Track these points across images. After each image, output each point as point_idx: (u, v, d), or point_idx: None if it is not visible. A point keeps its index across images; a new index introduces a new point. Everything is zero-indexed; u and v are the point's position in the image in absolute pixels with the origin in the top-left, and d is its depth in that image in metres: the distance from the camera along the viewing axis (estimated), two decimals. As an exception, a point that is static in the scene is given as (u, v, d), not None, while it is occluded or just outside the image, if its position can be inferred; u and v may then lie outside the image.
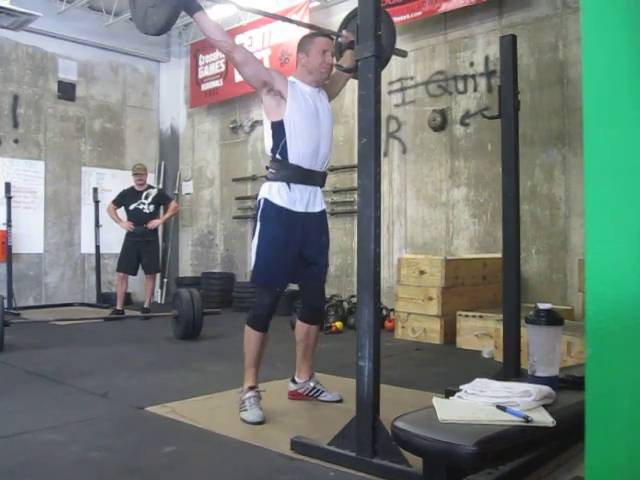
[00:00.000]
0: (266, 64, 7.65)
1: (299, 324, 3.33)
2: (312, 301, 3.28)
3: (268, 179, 3.10)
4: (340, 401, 3.22)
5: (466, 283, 5.45)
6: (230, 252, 8.56)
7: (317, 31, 3.30)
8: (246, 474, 2.31)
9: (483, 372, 2.62)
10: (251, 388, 3.02)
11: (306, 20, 7.18)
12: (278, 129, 3.02)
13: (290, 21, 3.81)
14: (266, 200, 3.04)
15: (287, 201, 3.02)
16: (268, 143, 3.09)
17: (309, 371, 3.34)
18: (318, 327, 3.36)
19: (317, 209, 3.14)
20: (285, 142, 3.01)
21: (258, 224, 3.06)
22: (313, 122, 3.06)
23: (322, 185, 3.19)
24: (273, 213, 3.02)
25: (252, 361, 3.06)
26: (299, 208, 3.05)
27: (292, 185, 3.03)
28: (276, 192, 3.03)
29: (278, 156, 3.04)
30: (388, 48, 3.27)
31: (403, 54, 3.61)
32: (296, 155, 3.02)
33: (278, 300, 3.11)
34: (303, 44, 3.15)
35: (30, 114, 7.92)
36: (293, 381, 3.37)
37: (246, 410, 2.94)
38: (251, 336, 3.05)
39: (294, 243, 3.06)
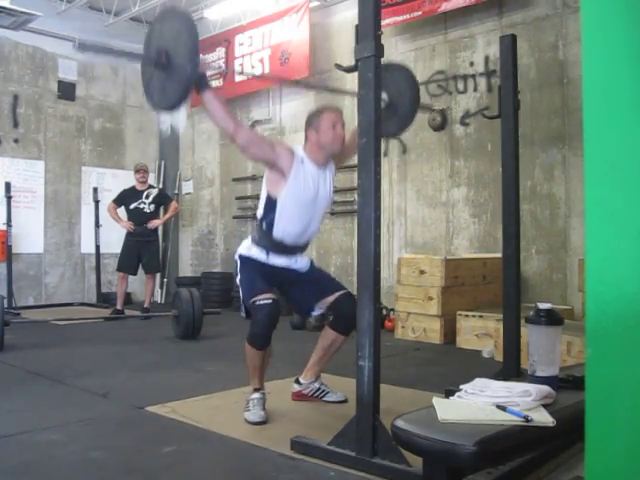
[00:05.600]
0: (266, 64, 7.66)
1: (329, 332, 3.16)
2: (346, 313, 3.00)
3: (251, 239, 3.15)
4: (345, 401, 3.20)
5: (466, 283, 5.45)
6: (230, 252, 8.55)
7: (326, 106, 3.28)
8: (246, 474, 2.31)
9: (483, 372, 2.62)
10: (256, 390, 3.02)
11: (306, 20, 7.19)
12: (271, 205, 3.03)
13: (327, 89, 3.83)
14: (243, 255, 3.12)
15: (265, 259, 3.08)
16: (259, 209, 3.12)
17: (317, 373, 3.31)
18: (345, 338, 3.17)
19: (298, 267, 3.15)
20: (273, 219, 3.03)
21: (238, 265, 3.11)
22: (308, 207, 3.05)
23: (303, 252, 3.21)
24: (252, 260, 3.08)
25: (255, 373, 3.03)
26: (279, 263, 3.09)
27: (271, 254, 3.08)
28: (255, 254, 3.09)
29: (264, 227, 3.07)
30: (412, 106, 3.37)
31: (429, 108, 3.81)
32: (281, 233, 3.04)
33: (274, 315, 2.91)
34: (311, 121, 3.10)
35: (30, 114, 7.91)
36: (297, 382, 3.34)
37: (249, 410, 2.94)
38: (251, 352, 2.98)
39: (278, 280, 3.09)
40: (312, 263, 3.27)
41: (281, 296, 3.14)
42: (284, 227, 3.03)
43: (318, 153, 3.06)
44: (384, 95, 3.21)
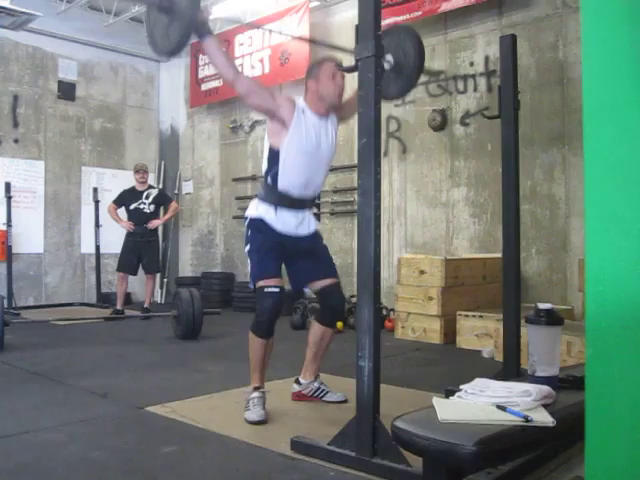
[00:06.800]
0: (266, 64, 7.66)
1: (316, 326, 3.25)
2: (332, 304, 3.22)
3: (257, 197, 3.14)
4: (345, 401, 3.20)
5: (466, 283, 5.45)
6: (230, 252, 8.56)
7: (326, 57, 3.25)
8: (246, 474, 2.31)
9: (483, 372, 2.62)
10: (256, 388, 3.02)
11: (306, 20, 7.19)
12: (274, 156, 3.04)
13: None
14: (253, 217, 3.10)
15: (274, 221, 3.05)
16: (263, 164, 3.13)
17: (315, 372, 3.32)
18: (334, 330, 3.30)
19: (306, 232, 3.14)
20: (277, 171, 3.03)
21: (248, 232, 3.11)
22: (311, 157, 3.05)
23: (312, 208, 3.22)
24: (261, 225, 3.06)
25: (256, 366, 3.05)
26: (287, 230, 3.07)
27: (279, 209, 3.05)
28: (264, 212, 3.07)
29: (269, 180, 3.07)
30: (416, 69, 3.29)
31: (437, 74, 3.71)
32: (286, 184, 3.04)
33: (280, 305, 3.00)
34: (311, 71, 3.13)
35: (30, 114, 7.91)
36: (297, 382, 3.35)
37: (249, 409, 2.94)
38: (255, 342, 3.02)
39: (284, 254, 3.09)
40: (318, 234, 3.25)
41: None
42: (288, 177, 3.03)
43: (318, 103, 3.08)
44: (389, 57, 3.20)
